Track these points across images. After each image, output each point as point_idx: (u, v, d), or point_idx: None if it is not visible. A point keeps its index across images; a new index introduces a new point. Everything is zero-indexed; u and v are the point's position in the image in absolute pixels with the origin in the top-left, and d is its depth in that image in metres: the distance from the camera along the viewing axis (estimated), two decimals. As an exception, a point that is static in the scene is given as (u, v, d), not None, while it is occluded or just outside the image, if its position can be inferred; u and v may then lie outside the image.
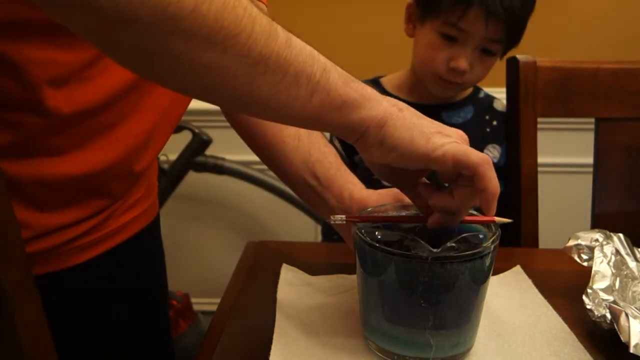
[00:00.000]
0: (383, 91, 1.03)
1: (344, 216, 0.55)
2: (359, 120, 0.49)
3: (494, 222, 0.54)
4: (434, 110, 1.00)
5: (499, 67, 1.00)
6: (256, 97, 0.46)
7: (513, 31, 0.92)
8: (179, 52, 0.41)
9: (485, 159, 0.48)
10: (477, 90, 1.06)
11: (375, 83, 1.06)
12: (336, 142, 1.03)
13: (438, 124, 0.51)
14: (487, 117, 1.03)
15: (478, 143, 1.02)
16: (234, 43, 0.42)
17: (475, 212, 0.57)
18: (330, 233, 1.04)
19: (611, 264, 0.61)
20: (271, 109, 0.49)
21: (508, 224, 0.54)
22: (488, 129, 1.03)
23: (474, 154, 0.48)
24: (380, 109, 0.49)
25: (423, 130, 0.49)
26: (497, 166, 1.01)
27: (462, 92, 1.05)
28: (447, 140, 0.49)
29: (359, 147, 0.52)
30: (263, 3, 0.77)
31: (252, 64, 0.44)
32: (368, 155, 0.51)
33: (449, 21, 0.91)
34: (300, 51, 0.46)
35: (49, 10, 0.41)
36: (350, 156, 1.02)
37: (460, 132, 0.52)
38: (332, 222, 0.56)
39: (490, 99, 1.05)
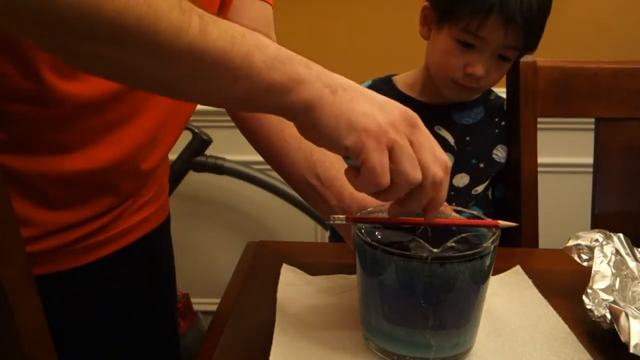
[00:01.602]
0: (395, 90, 1.03)
1: (344, 216, 0.55)
2: (289, 104, 0.47)
3: (497, 226, 0.53)
4: (444, 110, 1.00)
5: (499, 67, 1.00)
6: (175, 86, 0.47)
7: (531, 38, 0.92)
8: (85, 51, 0.43)
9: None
10: (488, 91, 1.06)
11: (388, 81, 1.06)
12: None
13: (374, 106, 0.48)
14: (496, 118, 1.04)
15: (487, 143, 1.02)
16: (137, 42, 0.42)
17: (480, 215, 0.57)
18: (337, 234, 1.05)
19: (611, 264, 0.61)
20: (195, 96, 0.50)
21: (510, 221, 0.54)
22: (497, 130, 1.03)
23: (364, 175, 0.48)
24: (311, 92, 0.47)
25: (350, 117, 0.47)
26: (503, 167, 1.02)
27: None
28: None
29: (297, 128, 0.50)
30: (268, 3, 0.77)
31: (162, 59, 0.44)
32: (306, 138, 0.50)
33: (467, 29, 0.90)
34: (218, 39, 0.44)
35: None
36: None
37: (399, 114, 0.49)
38: (332, 222, 0.56)
39: (500, 100, 1.06)
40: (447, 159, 0.50)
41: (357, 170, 0.49)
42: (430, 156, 0.48)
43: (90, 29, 0.41)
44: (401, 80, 1.05)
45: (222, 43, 0.44)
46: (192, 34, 0.43)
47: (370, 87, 1.04)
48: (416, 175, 0.48)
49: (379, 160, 0.47)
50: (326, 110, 0.47)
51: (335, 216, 0.56)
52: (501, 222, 0.53)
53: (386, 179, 0.48)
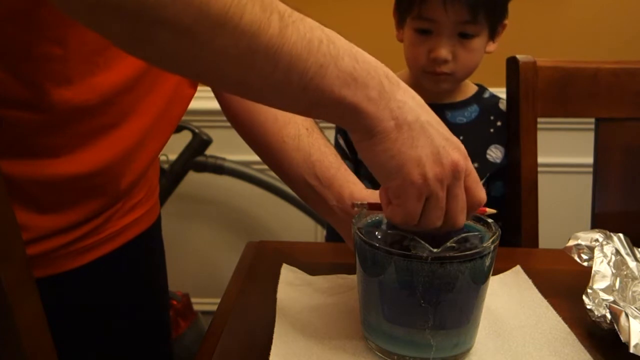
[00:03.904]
0: None
1: (366, 202, 0.56)
2: (353, 124, 0.47)
3: (484, 212, 0.56)
4: (438, 109, 1.00)
5: (499, 67, 1.00)
6: (247, 86, 0.46)
7: (479, 10, 0.92)
8: (164, 40, 0.41)
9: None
10: (482, 90, 1.06)
11: None
12: (340, 141, 1.03)
13: (432, 152, 0.47)
14: (491, 117, 1.03)
15: (481, 143, 1.02)
16: (218, 33, 0.40)
17: None
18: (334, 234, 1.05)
19: (611, 264, 0.61)
20: (265, 99, 0.48)
21: (510, 220, 0.55)
22: (492, 130, 1.03)
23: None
24: (376, 121, 0.46)
25: (404, 164, 0.47)
26: (499, 166, 1.01)
27: (464, 90, 1.04)
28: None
29: (353, 141, 0.50)
30: None
31: (239, 56, 0.42)
32: (357, 150, 0.51)
33: (415, 14, 0.93)
34: (295, 43, 0.42)
35: None
36: (355, 154, 1.02)
37: (457, 157, 0.49)
38: (354, 208, 0.57)
39: (495, 99, 1.05)
40: (481, 199, 0.52)
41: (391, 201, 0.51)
42: (459, 207, 0.50)
43: (170, 18, 0.39)
44: None
45: (299, 50, 0.43)
46: (271, 34, 0.42)
47: None
48: (438, 223, 0.50)
49: (414, 208, 0.49)
50: (384, 145, 0.47)
51: (357, 202, 0.57)
52: (487, 210, 0.56)
53: (414, 222, 0.50)
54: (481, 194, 0.51)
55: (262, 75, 0.44)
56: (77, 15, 0.43)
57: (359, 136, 0.48)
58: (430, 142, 0.47)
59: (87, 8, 0.40)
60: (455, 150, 0.49)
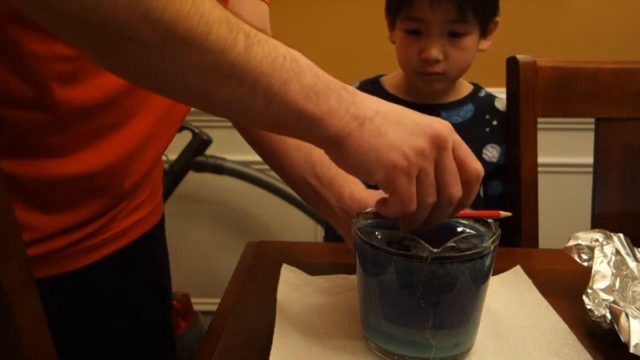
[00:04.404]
0: (382, 90, 1.03)
1: (371, 210, 0.56)
2: (319, 136, 0.48)
3: (498, 215, 0.55)
4: (433, 109, 1.00)
5: (499, 67, 1.00)
6: (212, 102, 0.47)
7: (467, 8, 0.92)
8: (132, 57, 0.42)
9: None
10: (478, 89, 1.06)
11: (375, 82, 1.06)
12: None
13: (405, 134, 0.48)
14: (487, 116, 1.03)
15: (477, 143, 1.01)
16: (186, 50, 0.42)
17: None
18: (332, 234, 1.04)
19: (611, 264, 0.61)
20: (230, 114, 0.50)
21: (510, 220, 0.55)
22: (488, 129, 1.02)
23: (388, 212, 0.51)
24: (340, 126, 0.47)
25: (380, 153, 0.47)
26: (496, 166, 1.01)
27: (459, 89, 1.04)
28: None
29: (329, 158, 0.51)
30: (265, 2, 0.77)
31: (204, 72, 0.44)
32: (339, 167, 0.51)
33: (403, 16, 0.94)
34: (260, 61, 0.44)
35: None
36: None
37: (435, 131, 0.49)
38: (359, 217, 0.57)
39: (491, 98, 1.05)
40: (478, 170, 0.51)
41: (386, 199, 0.50)
42: (450, 179, 0.49)
43: (139, 35, 0.40)
44: (389, 81, 1.06)
45: (264, 67, 0.44)
46: (237, 52, 0.43)
47: (358, 89, 1.04)
48: (432, 200, 0.50)
49: (407, 191, 0.48)
50: (354, 146, 0.47)
51: (364, 211, 0.57)
52: (502, 213, 0.56)
53: (413, 206, 0.49)
54: (476, 164, 0.51)
55: (228, 91, 0.45)
56: (47, 25, 0.43)
57: (332, 151, 0.49)
58: (399, 125, 0.48)
59: (57, 20, 0.41)
60: (435, 122, 0.49)
